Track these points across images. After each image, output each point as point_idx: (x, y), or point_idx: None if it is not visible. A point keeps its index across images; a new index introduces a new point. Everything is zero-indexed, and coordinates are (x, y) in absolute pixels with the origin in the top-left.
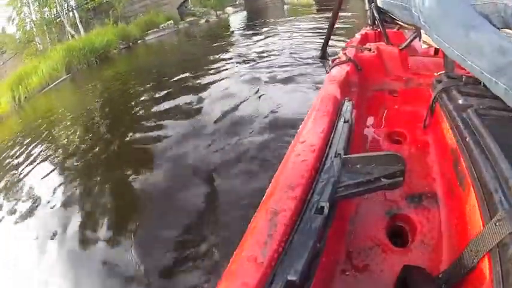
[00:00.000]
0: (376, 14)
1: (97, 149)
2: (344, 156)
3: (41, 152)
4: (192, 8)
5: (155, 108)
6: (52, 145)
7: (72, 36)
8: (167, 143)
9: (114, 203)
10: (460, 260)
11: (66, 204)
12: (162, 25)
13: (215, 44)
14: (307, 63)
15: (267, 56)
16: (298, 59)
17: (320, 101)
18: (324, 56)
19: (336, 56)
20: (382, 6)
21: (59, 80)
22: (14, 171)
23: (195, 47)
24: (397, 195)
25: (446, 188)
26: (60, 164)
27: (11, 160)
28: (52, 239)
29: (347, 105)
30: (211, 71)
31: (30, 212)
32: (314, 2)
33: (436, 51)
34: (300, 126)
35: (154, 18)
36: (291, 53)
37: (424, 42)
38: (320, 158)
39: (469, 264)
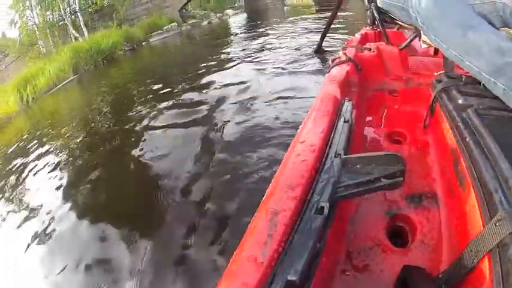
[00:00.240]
0: (376, 14)
1: (104, 144)
2: (344, 156)
3: (48, 150)
4: (192, 11)
5: (163, 105)
6: (59, 144)
7: (76, 38)
8: (170, 139)
9: (123, 197)
10: (460, 260)
11: (68, 198)
12: (166, 27)
13: (218, 45)
14: (304, 59)
15: (268, 54)
16: (296, 55)
17: (320, 101)
18: (318, 51)
19: (336, 56)
20: (381, 6)
21: (67, 81)
22: (19, 170)
23: (199, 47)
24: (397, 195)
25: (446, 188)
26: (66, 162)
27: (17, 158)
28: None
29: (347, 105)
30: (215, 70)
31: (34, 207)
32: (314, 3)
33: (436, 51)
34: (300, 126)
35: (157, 20)
36: (289, 50)
37: (424, 42)
38: (320, 158)
39: (469, 265)
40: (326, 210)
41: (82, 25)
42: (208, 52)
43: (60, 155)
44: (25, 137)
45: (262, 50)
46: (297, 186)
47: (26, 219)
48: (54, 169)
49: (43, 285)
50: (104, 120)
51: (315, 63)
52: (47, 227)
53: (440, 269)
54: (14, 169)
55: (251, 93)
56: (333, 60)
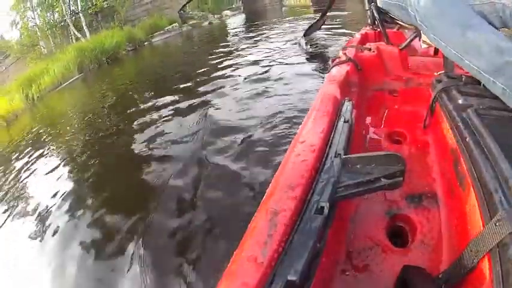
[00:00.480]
0: (376, 14)
1: (108, 140)
2: (344, 156)
3: (51, 147)
4: (191, 12)
5: (165, 102)
6: (64, 141)
7: (78, 39)
8: (170, 137)
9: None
10: (460, 260)
11: (70, 195)
12: (167, 27)
13: (218, 44)
14: (300, 55)
15: (268, 54)
16: (292, 51)
17: (320, 101)
18: (306, 34)
19: (336, 56)
20: (381, 6)
21: (72, 80)
22: (24, 166)
23: (200, 47)
24: (397, 195)
25: (446, 188)
26: (70, 158)
27: (21, 155)
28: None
29: (347, 105)
30: (215, 70)
31: (37, 203)
32: (311, 4)
33: (436, 51)
34: (300, 126)
35: (158, 21)
36: (286, 46)
37: (424, 42)
38: (320, 158)
39: (469, 264)
40: (326, 210)
41: (84, 26)
42: (209, 52)
43: (63, 151)
44: (30, 134)
45: (263, 50)
46: (297, 186)
47: (28, 215)
48: (57, 166)
49: (43, 286)
50: (108, 117)
51: (309, 58)
52: (47, 228)
53: (440, 269)
54: (19, 165)
55: (251, 90)
56: (333, 60)
